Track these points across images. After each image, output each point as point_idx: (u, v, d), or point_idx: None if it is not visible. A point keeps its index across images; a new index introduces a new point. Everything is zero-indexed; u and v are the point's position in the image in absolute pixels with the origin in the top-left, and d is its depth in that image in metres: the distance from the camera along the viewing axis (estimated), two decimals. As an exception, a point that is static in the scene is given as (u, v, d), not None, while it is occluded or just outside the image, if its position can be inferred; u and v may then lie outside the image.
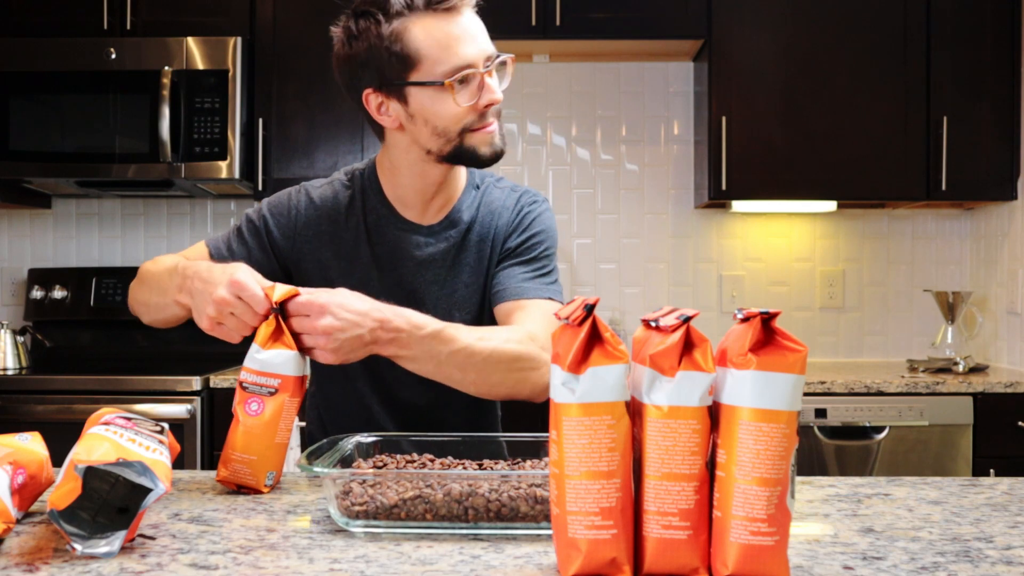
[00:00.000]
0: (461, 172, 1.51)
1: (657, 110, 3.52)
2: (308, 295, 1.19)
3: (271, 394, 1.19)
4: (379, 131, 1.45)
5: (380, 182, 1.49)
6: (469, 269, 1.49)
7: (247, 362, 1.21)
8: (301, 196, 1.50)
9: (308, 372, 1.26)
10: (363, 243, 1.47)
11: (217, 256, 1.48)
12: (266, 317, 1.20)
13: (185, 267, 1.30)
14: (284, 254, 1.49)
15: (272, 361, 1.19)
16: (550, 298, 1.43)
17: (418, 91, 1.35)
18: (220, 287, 1.21)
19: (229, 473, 1.19)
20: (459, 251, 1.48)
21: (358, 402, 1.51)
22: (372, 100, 1.40)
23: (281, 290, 1.20)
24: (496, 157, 1.41)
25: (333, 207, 1.49)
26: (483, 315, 1.50)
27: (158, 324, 1.49)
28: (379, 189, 1.49)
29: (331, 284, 1.44)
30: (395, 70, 1.35)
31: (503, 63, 1.39)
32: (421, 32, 1.32)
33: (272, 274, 1.48)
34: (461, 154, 1.39)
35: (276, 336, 1.20)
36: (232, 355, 3.36)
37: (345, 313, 1.18)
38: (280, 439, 1.20)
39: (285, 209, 1.50)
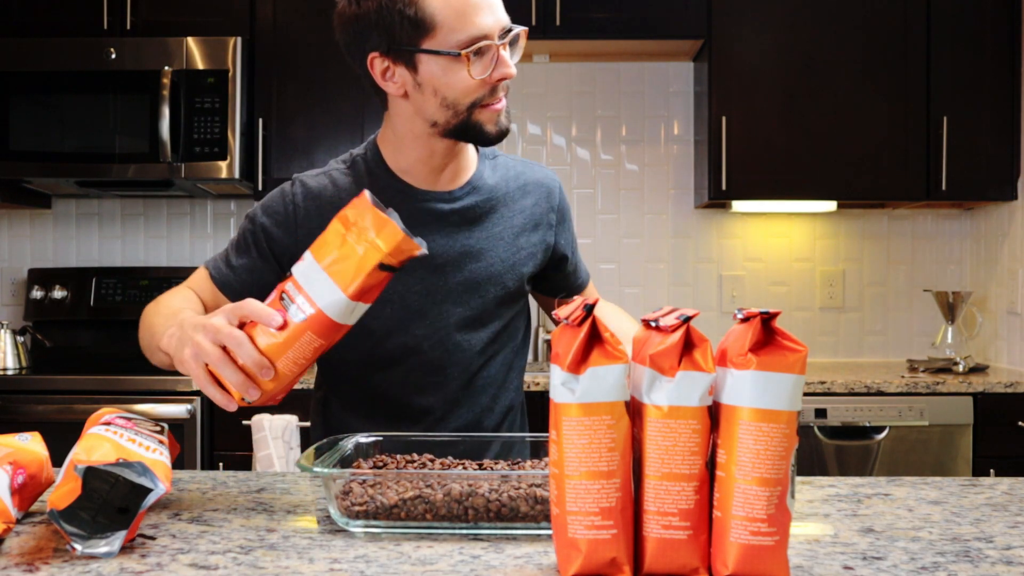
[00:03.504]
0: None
1: (657, 110, 3.52)
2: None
3: (301, 319, 1.03)
4: (383, 97, 1.39)
5: (385, 159, 1.43)
6: (516, 231, 1.46)
7: (298, 270, 1.05)
8: (296, 188, 1.42)
9: (350, 324, 1.07)
10: None
11: (217, 275, 1.42)
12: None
13: (182, 314, 1.19)
14: (289, 254, 1.39)
15: (318, 285, 1.03)
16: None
17: (429, 59, 1.29)
18: (199, 331, 1.06)
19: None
20: (495, 214, 1.45)
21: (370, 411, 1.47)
22: (377, 65, 1.33)
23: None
24: (501, 136, 1.36)
25: (334, 195, 1.40)
26: (523, 283, 1.48)
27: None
28: (386, 167, 1.42)
29: None
30: (407, 35, 1.28)
31: (516, 36, 1.32)
32: None
33: (277, 283, 1.42)
34: (467, 129, 1.34)
35: (344, 264, 1.02)
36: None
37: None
38: (283, 367, 1.05)
39: (280, 206, 1.42)
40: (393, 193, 1.41)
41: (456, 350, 1.44)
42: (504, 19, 1.30)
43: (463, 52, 1.27)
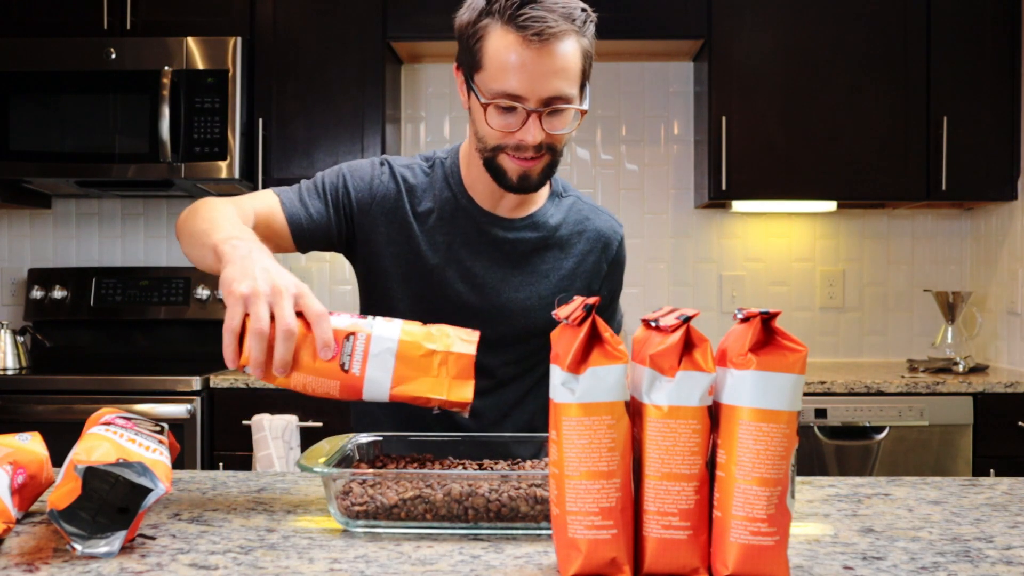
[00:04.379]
0: None
1: (657, 110, 3.52)
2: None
3: (341, 367, 1.04)
4: None
5: (460, 170, 1.47)
6: (561, 275, 1.49)
7: (379, 332, 1.06)
8: (384, 169, 1.47)
9: (359, 403, 1.13)
10: (437, 232, 1.44)
11: (289, 207, 1.41)
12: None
13: (251, 233, 1.18)
14: (355, 223, 1.44)
15: (378, 363, 1.05)
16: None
17: (473, 92, 1.34)
18: (267, 284, 1.03)
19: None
20: (547, 253, 1.49)
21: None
22: (457, 74, 1.39)
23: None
24: (522, 189, 1.38)
25: (409, 189, 1.46)
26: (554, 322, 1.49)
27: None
28: (459, 179, 1.46)
29: (387, 268, 1.44)
30: (467, 61, 1.34)
31: (559, 110, 1.31)
32: (494, 43, 1.29)
33: (334, 241, 1.45)
34: (491, 167, 1.37)
35: (410, 371, 1.06)
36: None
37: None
38: (295, 381, 1.05)
39: (367, 176, 1.45)
40: (456, 207, 1.45)
41: None
42: (550, 90, 1.28)
43: (483, 102, 1.31)
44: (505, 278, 1.46)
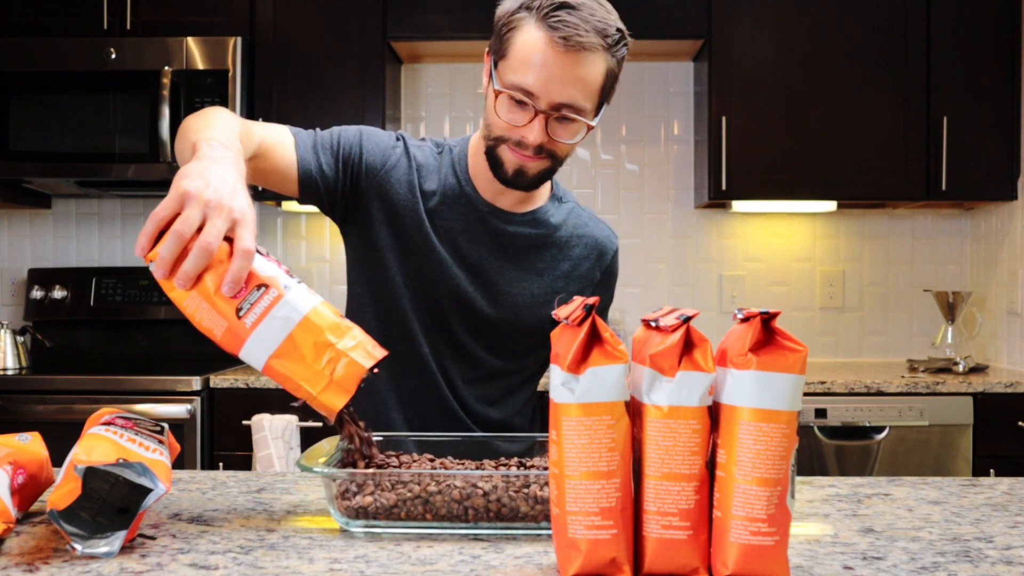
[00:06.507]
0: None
1: (657, 110, 3.52)
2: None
3: (234, 314, 0.99)
4: None
5: (468, 159, 1.48)
6: (556, 275, 1.50)
7: (291, 299, 0.99)
8: (399, 144, 1.48)
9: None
10: (437, 215, 1.45)
11: (303, 153, 1.40)
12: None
13: (231, 148, 1.13)
14: (360, 187, 1.44)
15: (271, 331, 0.98)
16: None
17: (492, 78, 1.36)
18: (214, 194, 0.99)
19: None
20: (545, 252, 1.50)
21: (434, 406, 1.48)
22: (487, 59, 1.40)
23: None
24: (514, 184, 1.39)
25: (419, 166, 1.47)
26: (542, 323, 1.48)
27: None
28: (465, 167, 1.48)
29: (385, 239, 1.44)
30: (496, 48, 1.36)
31: (567, 119, 1.32)
32: (523, 36, 1.30)
33: (335, 200, 1.44)
34: (491, 157, 1.39)
35: (292, 357, 0.99)
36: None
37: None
38: (190, 303, 1.01)
39: (383, 143, 1.47)
40: (460, 194, 1.46)
41: (458, 348, 1.48)
42: (563, 97, 1.29)
43: (497, 88, 1.32)
44: (501, 271, 1.47)
